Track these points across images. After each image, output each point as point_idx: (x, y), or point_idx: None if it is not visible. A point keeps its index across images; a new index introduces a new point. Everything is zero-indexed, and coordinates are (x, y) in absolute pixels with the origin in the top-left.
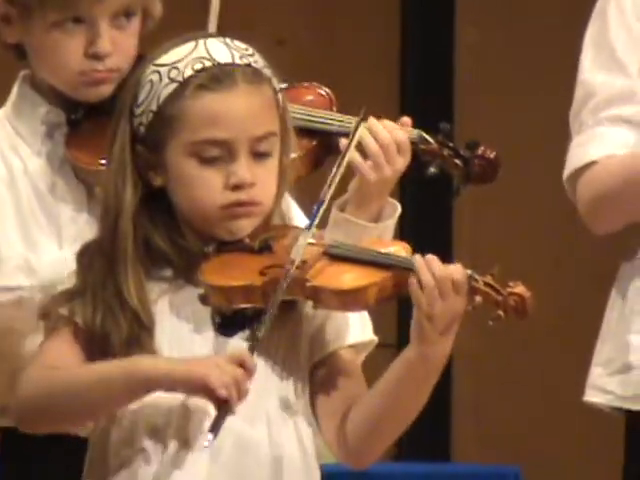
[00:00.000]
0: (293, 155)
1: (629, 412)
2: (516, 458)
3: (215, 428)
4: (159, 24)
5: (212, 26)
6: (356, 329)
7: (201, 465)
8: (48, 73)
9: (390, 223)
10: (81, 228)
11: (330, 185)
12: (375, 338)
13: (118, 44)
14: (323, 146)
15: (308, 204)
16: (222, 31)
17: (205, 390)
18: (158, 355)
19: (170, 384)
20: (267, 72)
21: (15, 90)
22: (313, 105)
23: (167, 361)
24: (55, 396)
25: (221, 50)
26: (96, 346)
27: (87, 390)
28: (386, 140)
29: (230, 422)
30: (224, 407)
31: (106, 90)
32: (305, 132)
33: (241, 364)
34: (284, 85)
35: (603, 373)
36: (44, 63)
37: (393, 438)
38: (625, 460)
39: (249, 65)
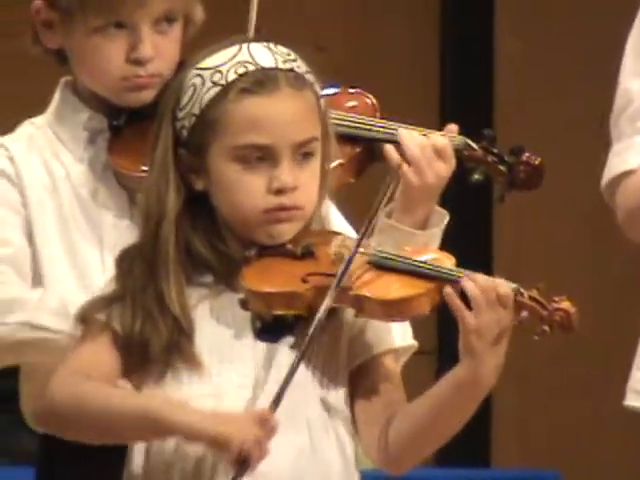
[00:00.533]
0: (337, 162)
1: None
2: (557, 464)
3: (240, 476)
4: (200, 29)
5: (251, 29)
6: (397, 334)
7: None
8: (90, 78)
9: (437, 231)
10: (122, 234)
11: (376, 213)
12: (415, 343)
13: (160, 49)
14: (367, 153)
15: (349, 210)
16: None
17: (227, 450)
18: (186, 403)
19: (193, 438)
20: (310, 77)
21: (56, 96)
22: (357, 112)
23: (193, 414)
24: (83, 412)
25: (264, 54)
26: (134, 352)
27: (115, 418)
28: (423, 143)
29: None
30: (244, 466)
31: (148, 96)
32: (348, 139)
33: (263, 423)
34: (332, 91)
35: None
36: (85, 68)
37: (435, 448)
38: None
39: (292, 70)
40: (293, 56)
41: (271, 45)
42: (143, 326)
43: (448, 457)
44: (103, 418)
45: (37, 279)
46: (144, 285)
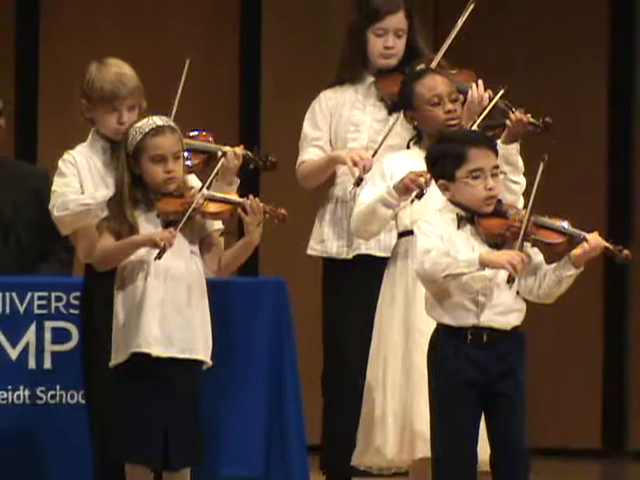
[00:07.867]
0: (192, 162)
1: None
2: (283, 273)
3: (159, 257)
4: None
5: (174, 110)
6: (217, 223)
7: (158, 282)
8: (103, 130)
9: (235, 187)
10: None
11: (213, 177)
12: (222, 227)
13: (130, 120)
14: (209, 159)
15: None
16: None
17: (155, 242)
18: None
19: (142, 243)
20: (176, 128)
21: (90, 135)
22: (206, 140)
23: (142, 235)
24: (107, 256)
25: (158, 120)
26: (119, 239)
27: (118, 250)
28: (230, 151)
29: (168, 262)
30: (163, 249)
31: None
32: (200, 152)
33: (170, 232)
34: (195, 133)
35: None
36: (101, 126)
37: (239, 265)
38: (322, 293)
39: (170, 125)
40: (170, 120)
41: (161, 116)
42: (120, 229)
43: (246, 271)
44: (114, 252)
45: None
46: (117, 212)
